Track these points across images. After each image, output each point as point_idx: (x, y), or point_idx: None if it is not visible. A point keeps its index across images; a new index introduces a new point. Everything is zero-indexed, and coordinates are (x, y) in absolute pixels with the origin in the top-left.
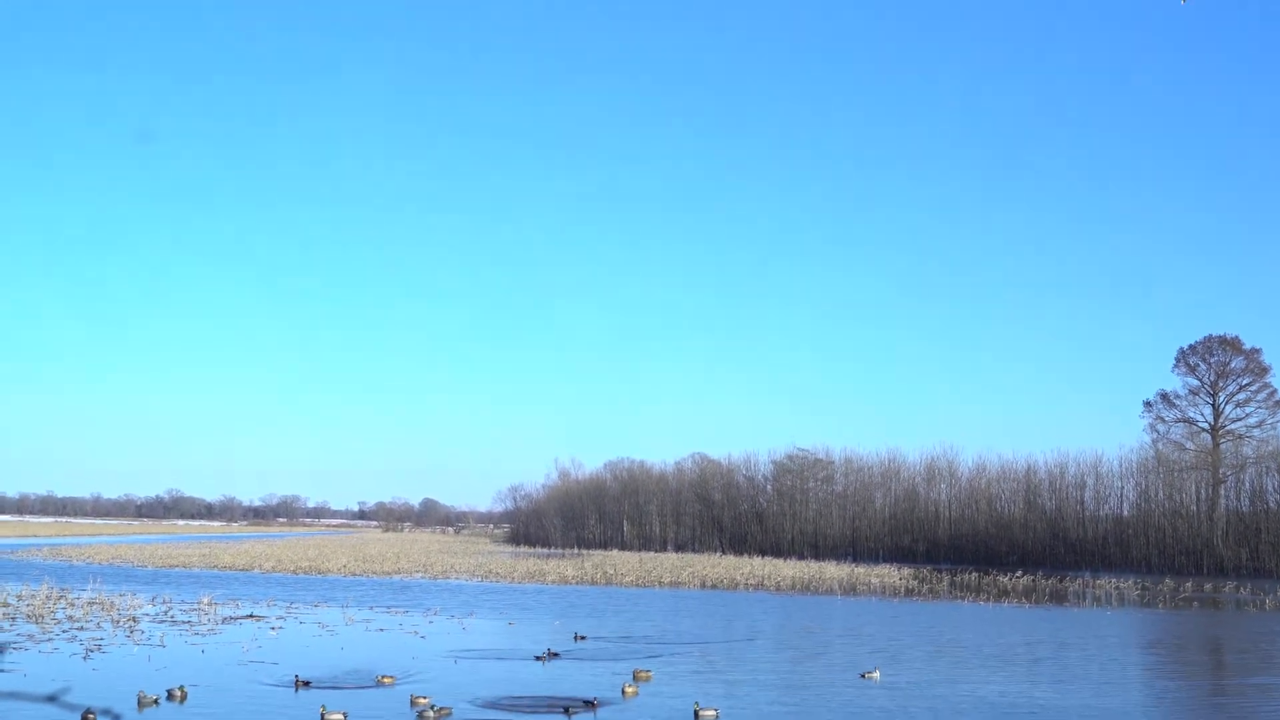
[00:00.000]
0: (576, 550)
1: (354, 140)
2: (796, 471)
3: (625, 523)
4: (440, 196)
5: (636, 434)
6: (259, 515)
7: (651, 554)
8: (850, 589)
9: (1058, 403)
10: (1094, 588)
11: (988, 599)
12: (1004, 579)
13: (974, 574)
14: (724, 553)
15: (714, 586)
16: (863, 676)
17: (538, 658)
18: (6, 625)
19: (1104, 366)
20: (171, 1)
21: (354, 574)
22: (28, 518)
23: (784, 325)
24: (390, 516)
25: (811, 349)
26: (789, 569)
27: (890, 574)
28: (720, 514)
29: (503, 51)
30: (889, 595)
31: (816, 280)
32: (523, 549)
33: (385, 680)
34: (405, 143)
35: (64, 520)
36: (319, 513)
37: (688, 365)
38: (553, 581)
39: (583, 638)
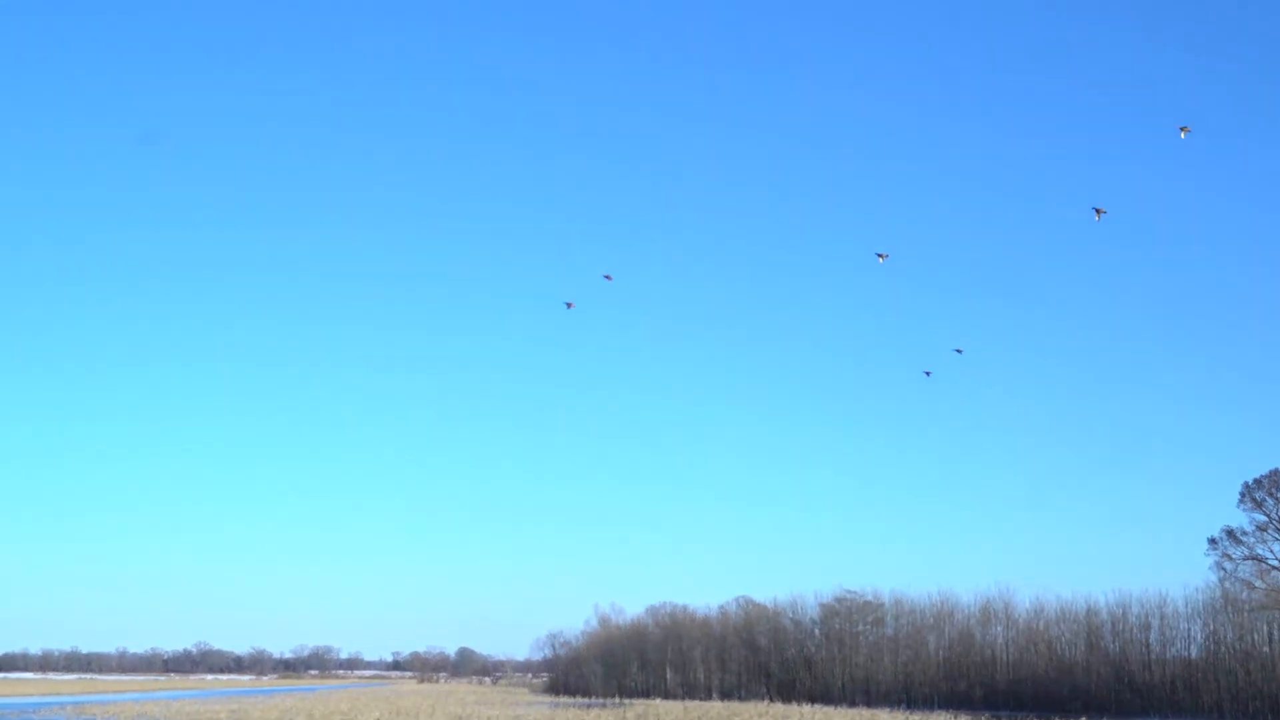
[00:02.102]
0: (618, 699)
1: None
2: (845, 614)
3: (668, 670)
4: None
5: (678, 577)
6: (290, 668)
7: (696, 702)
8: None
9: (1117, 540)
10: None
11: None
12: None
13: None
14: (771, 700)
15: None
16: None
17: None
18: None
19: (1165, 502)
20: (172, 2)
21: None
22: (51, 675)
23: (828, 462)
24: (425, 667)
25: (857, 487)
26: (839, 717)
27: None
28: (767, 659)
29: (509, 51)
30: None
31: (859, 418)
32: (562, 699)
33: None
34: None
35: (89, 677)
36: (352, 664)
37: (730, 505)
38: None
39: None
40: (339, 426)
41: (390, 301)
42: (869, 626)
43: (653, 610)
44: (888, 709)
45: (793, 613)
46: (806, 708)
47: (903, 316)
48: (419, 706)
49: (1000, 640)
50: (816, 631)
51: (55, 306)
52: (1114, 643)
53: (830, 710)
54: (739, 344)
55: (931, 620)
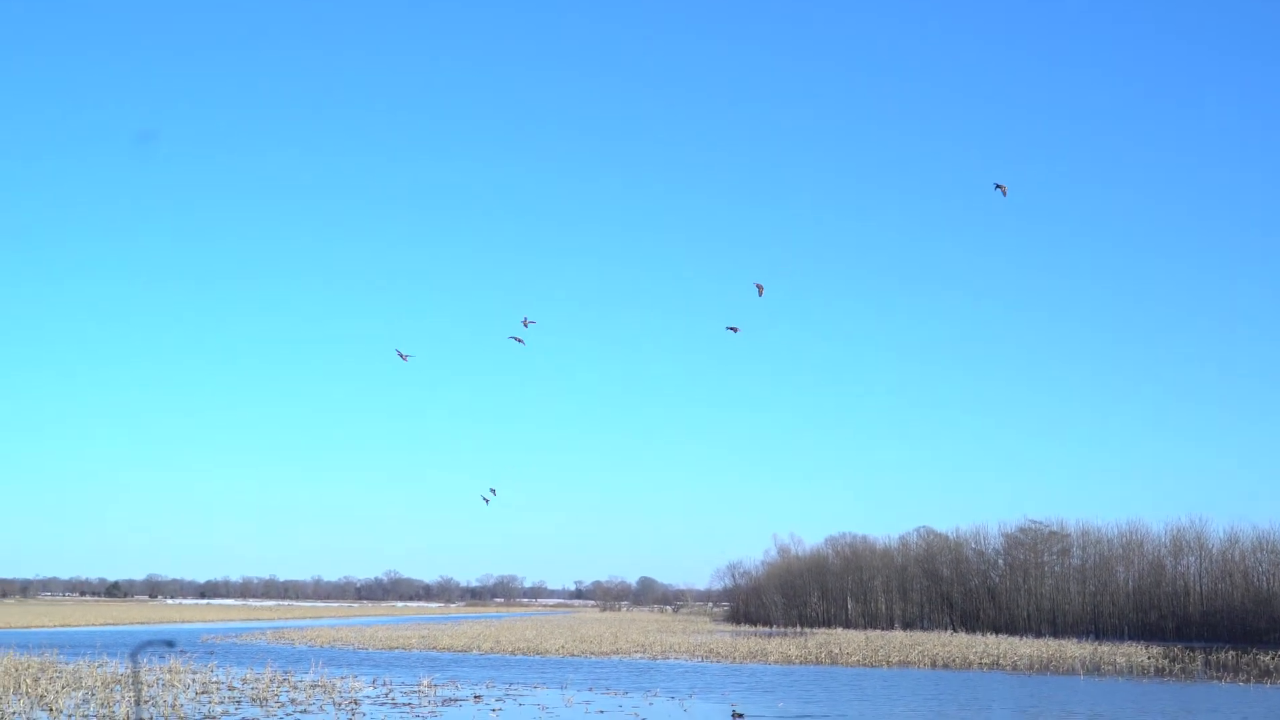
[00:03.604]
0: (798, 629)
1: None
2: (1030, 545)
3: (849, 600)
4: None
5: (857, 507)
6: (476, 596)
7: (878, 632)
8: (1094, 668)
9: None
10: None
11: (1247, 679)
12: (1265, 657)
13: (1231, 652)
14: (954, 630)
15: (945, 666)
16: None
17: None
18: (232, 709)
19: None
20: (172, 2)
21: (572, 654)
22: (251, 601)
23: (1007, 388)
24: (607, 596)
25: (1040, 414)
26: (1026, 647)
27: (1137, 652)
28: (949, 589)
29: (509, 51)
30: (1137, 675)
31: (1041, 340)
32: (743, 628)
33: None
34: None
35: (286, 603)
36: (535, 592)
37: (909, 434)
38: (775, 661)
39: None
40: (521, 362)
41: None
42: (1055, 557)
43: (832, 540)
44: (1075, 639)
45: (975, 543)
46: (991, 638)
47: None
48: (601, 634)
49: (1193, 571)
50: (1000, 562)
51: (54, 306)
52: None
53: (1015, 640)
54: (909, 278)
55: (1120, 550)
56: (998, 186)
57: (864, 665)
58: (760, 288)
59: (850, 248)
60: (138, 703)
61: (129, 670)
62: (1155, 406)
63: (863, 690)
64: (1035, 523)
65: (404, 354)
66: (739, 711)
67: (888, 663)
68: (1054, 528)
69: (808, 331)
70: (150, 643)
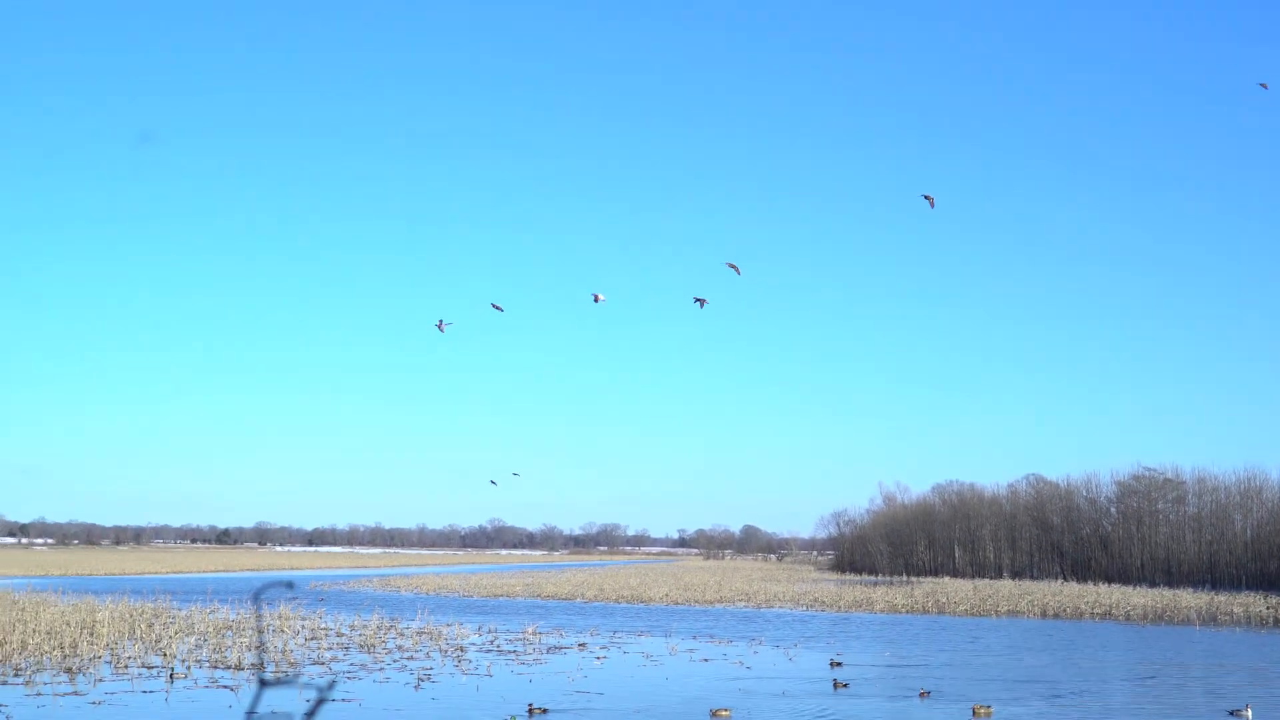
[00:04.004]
0: (905, 577)
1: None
2: (1143, 492)
3: (956, 548)
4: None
5: (964, 455)
6: (579, 544)
7: (986, 581)
8: (1210, 619)
9: None
10: None
11: None
12: None
13: None
14: (1065, 579)
15: (1056, 615)
16: (1233, 715)
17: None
18: (340, 655)
19: None
20: (172, 2)
21: (676, 603)
22: (357, 549)
23: (1117, 334)
24: (710, 544)
25: (1153, 359)
26: (1139, 597)
27: (1255, 603)
28: (1060, 538)
29: (511, 53)
30: (1255, 626)
31: (1155, 285)
32: (848, 576)
33: (721, 714)
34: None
35: (391, 551)
36: (639, 540)
37: (1017, 379)
38: (880, 610)
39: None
40: (622, 312)
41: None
42: (1169, 505)
43: (939, 488)
44: (1190, 589)
45: (1087, 491)
46: (1103, 587)
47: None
48: (705, 582)
49: None
50: (1113, 510)
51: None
52: None
53: (1129, 590)
54: (1015, 216)
55: (1238, 498)
56: (926, 198)
57: (972, 615)
58: (735, 267)
59: (956, 204)
60: (260, 643)
61: (251, 611)
62: (1275, 350)
63: (972, 639)
64: (1149, 470)
65: (443, 324)
66: (838, 661)
67: (996, 612)
68: (1169, 475)
69: (915, 281)
70: (271, 584)
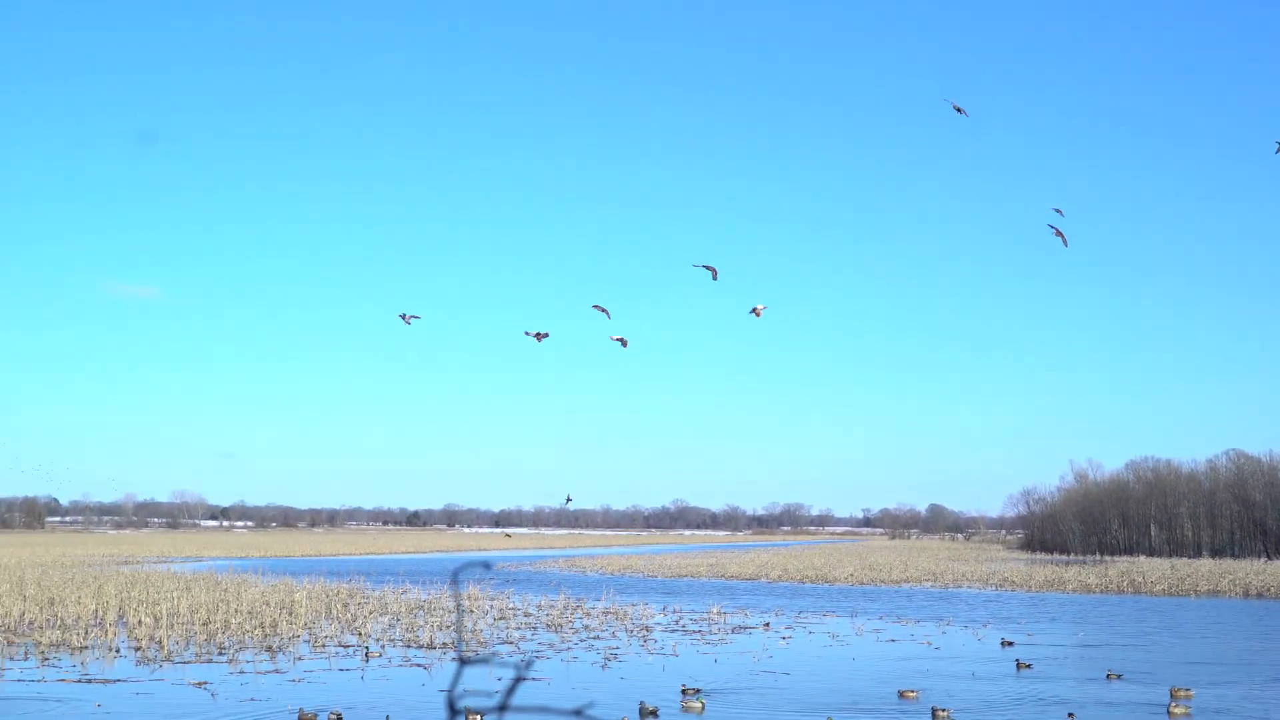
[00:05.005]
0: (1098, 557)
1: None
2: None
3: (1152, 526)
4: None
5: (1158, 430)
6: (762, 524)
7: (1184, 560)
8: None
9: None
10: None
11: None
12: None
13: None
14: (1269, 558)
15: (1260, 595)
16: None
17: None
18: (529, 634)
19: None
20: (172, 2)
21: (861, 583)
22: (543, 530)
23: None
24: (895, 523)
25: None
26: None
27: None
28: (1263, 515)
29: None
30: None
31: None
32: (1038, 556)
33: (909, 695)
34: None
35: (576, 531)
36: (822, 520)
37: (1212, 352)
38: (1073, 590)
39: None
40: (810, 291)
41: None
42: None
43: (1133, 465)
44: None
45: None
46: None
47: None
48: (891, 562)
49: None
50: None
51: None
52: None
53: None
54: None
55: None
56: (956, 107)
57: (1170, 594)
58: (714, 271)
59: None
60: (459, 622)
61: (447, 591)
62: None
63: (1168, 620)
64: None
65: (408, 317)
66: (1008, 641)
67: (1195, 591)
68: None
69: (1107, 256)
70: (469, 564)
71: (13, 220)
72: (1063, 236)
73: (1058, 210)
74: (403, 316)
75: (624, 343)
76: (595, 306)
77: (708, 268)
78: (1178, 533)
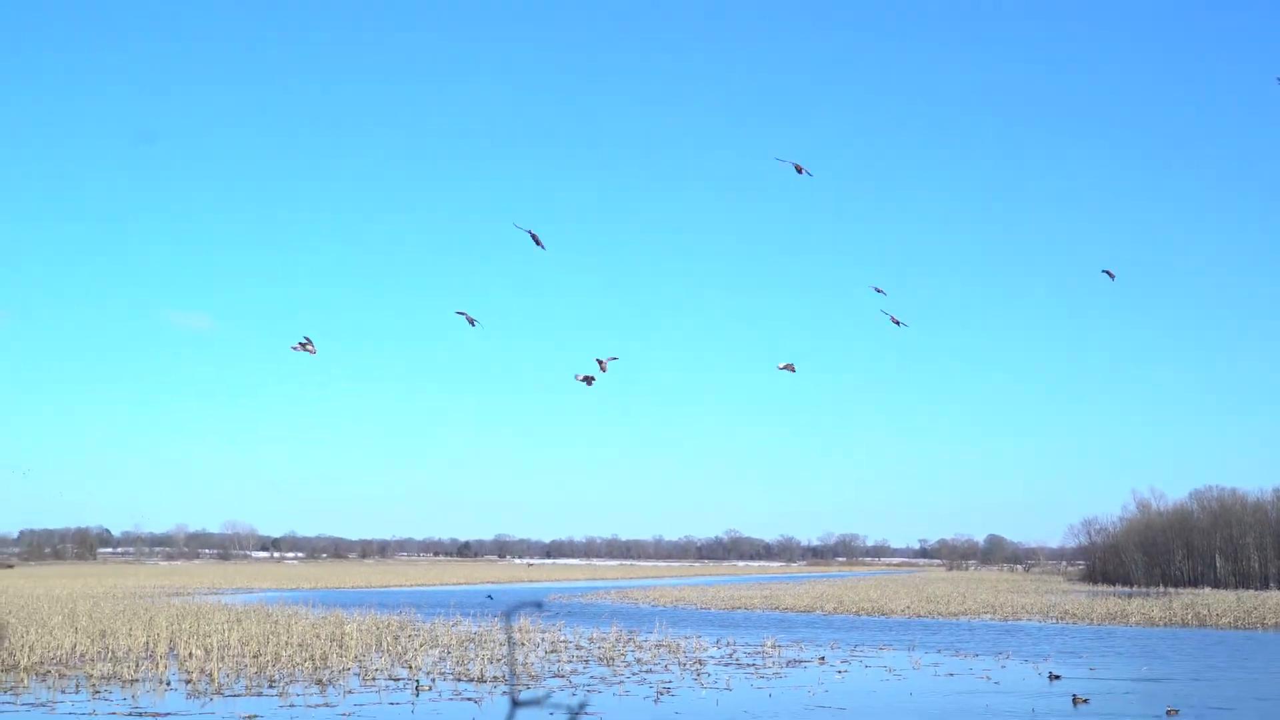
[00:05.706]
0: (1161, 588)
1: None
2: None
3: (1217, 557)
4: None
5: (1225, 459)
6: (817, 555)
7: (1251, 592)
8: None
9: None
10: None
11: None
12: None
13: None
14: None
15: None
16: None
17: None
18: (580, 667)
19: None
20: (172, 2)
21: (918, 615)
22: (594, 561)
23: None
24: (952, 554)
25: None
26: None
27: None
28: None
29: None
30: None
31: None
32: (1099, 588)
33: None
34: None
35: (628, 563)
36: (878, 551)
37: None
38: (1136, 623)
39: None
40: (862, 320)
41: None
42: None
43: (1198, 495)
44: None
45: None
46: None
47: None
48: (949, 594)
49: None
50: None
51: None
52: None
53: None
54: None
55: None
56: (796, 167)
57: (1236, 627)
58: (535, 236)
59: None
60: (511, 662)
61: (498, 627)
62: None
63: (1237, 655)
64: None
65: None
66: (1056, 674)
67: (1263, 625)
68: None
69: (1174, 278)
70: (522, 604)
71: (68, 249)
72: (898, 322)
73: (878, 290)
74: (464, 315)
75: (603, 367)
76: (459, 312)
77: (529, 232)
78: (1244, 564)
